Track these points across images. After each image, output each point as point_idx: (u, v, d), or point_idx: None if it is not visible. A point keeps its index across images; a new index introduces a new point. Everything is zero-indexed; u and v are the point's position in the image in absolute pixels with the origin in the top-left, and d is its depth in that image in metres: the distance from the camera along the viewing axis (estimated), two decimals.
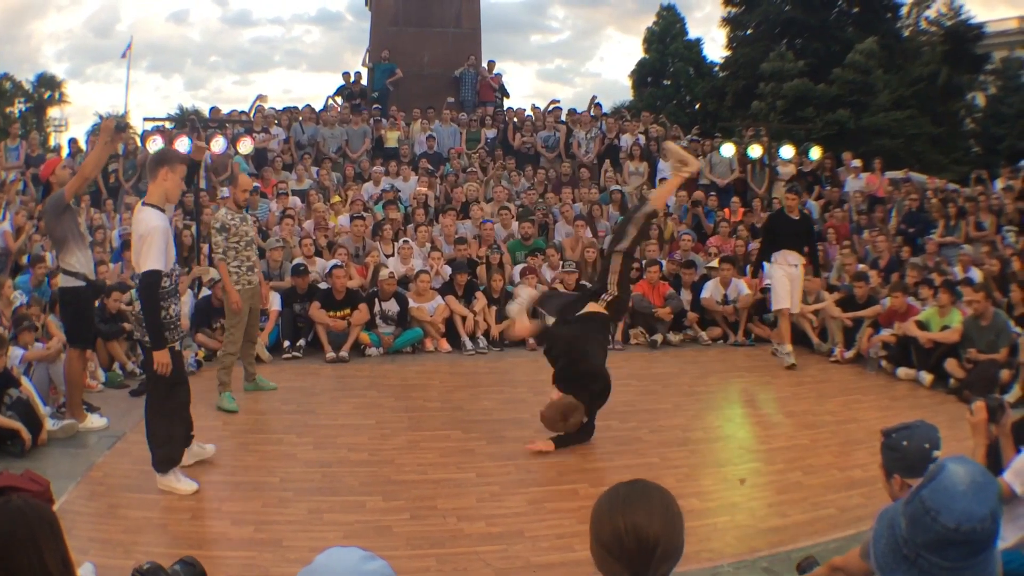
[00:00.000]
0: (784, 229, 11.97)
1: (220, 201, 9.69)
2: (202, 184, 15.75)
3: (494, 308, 13.05)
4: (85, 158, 10.67)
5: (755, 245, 15.05)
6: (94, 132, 20.80)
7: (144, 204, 6.72)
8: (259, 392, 9.96)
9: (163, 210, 6.74)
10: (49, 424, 7.99)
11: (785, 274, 11.71)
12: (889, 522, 2.48)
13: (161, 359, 6.53)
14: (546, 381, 10.75)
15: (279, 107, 21.19)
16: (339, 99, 21.85)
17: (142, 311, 6.55)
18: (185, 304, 11.39)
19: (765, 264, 12.42)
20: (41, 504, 2.74)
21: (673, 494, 2.41)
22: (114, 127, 9.47)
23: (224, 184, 15.75)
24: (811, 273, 12.36)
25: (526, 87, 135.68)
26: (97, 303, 9.59)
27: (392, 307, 12.43)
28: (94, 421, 8.46)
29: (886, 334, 11.54)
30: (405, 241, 13.95)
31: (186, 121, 22.97)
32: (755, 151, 17.28)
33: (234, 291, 9.26)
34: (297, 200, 16.25)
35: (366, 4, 25.65)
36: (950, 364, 10.44)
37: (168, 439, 6.77)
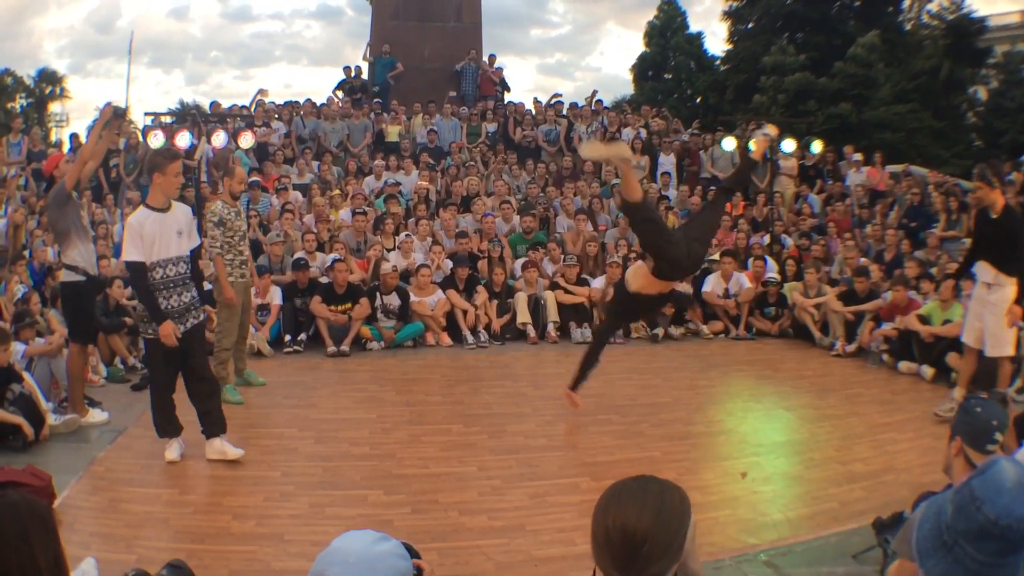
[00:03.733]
0: (981, 232, 8.85)
1: (216, 195, 9.78)
2: (203, 177, 15.78)
3: (495, 302, 13.06)
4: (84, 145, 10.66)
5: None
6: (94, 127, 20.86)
7: (142, 204, 7.45)
8: (258, 387, 9.97)
9: (162, 209, 7.22)
10: (51, 419, 8.00)
11: (975, 296, 8.89)
12: (938, 509, 2.51)
13: (163, 331, 7.05)
14: (546, 375, 10.82)
15: (280, 101, 21.24)
16: (340, 93, 21.85)
17: (135, 295, 7.48)
18: None
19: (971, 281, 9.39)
20: (36, 500, 2.73)
21: (679, 486, 2.35)
22: (113, 112, 9.51)
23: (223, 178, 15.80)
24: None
25: (527, 81, 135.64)
26: (99, 297, 9.59)
27: (393, 301, 12.43)
28: (96, 416, 8.48)
29: (888, 328, 11.54)
30: (406, 235, 13.95)
31: (187, 116, 22.97)
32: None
33: (228, 286, 9.27)
34: (298, 194, 16.24)
35: None
36: (952, 358, 10.43)
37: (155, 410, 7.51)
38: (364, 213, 14.36)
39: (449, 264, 13.43)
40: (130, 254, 7.06)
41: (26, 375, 8.23)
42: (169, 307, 7.15)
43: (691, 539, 2.31)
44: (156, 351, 7.26)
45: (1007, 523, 2.26)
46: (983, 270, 8.67)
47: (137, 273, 7.09)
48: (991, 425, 3.76)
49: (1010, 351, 8.70)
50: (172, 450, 7.38)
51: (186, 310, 7.31)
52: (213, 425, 7.44)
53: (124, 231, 7.29)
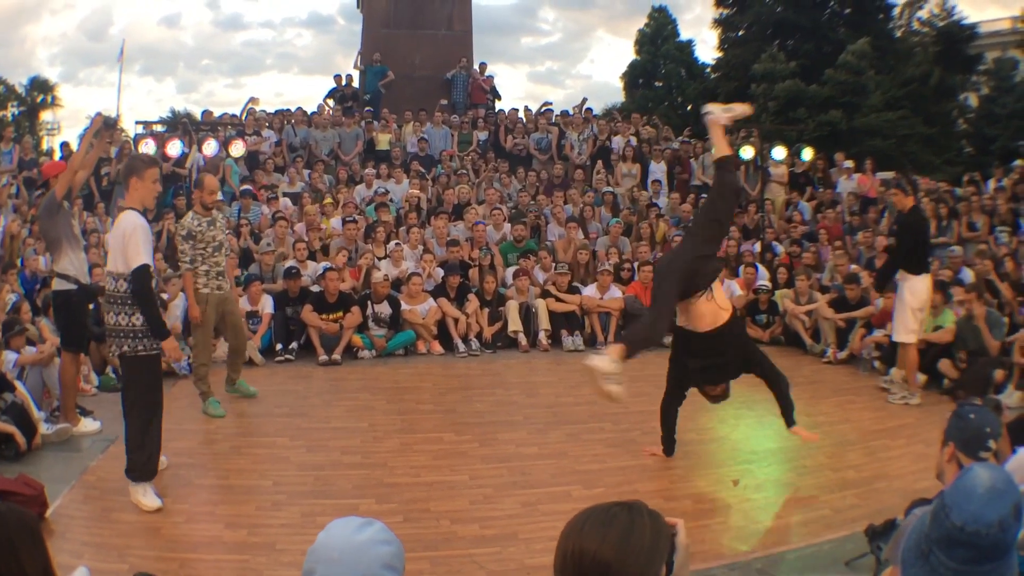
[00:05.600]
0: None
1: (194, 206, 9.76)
2: (194, 187, 15.75)
3: (486, 310, 13.05)
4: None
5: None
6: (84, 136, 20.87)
7: (126, 209, 6.72)
8: (247, 395, 9.93)
9: (143, 213, 6.75)
10: (43, 428, 7.98)
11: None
12: (922, 518, 2.50)
13: (168, 346, 6.61)
14: (538, 383, 10.82)
15: (271, 110, 21.24)
16: (331, 102, 21.87)
17: (138, 305, 6.50)
18: (178, 307, 11.39)
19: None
20: (23, 511, 2.73)
21: (662, 517, 2.20)
22: (103, 122, 9.50)
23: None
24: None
25: (517, 89, 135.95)
26: (91, 306, 9.60)
27: (384, 309, 12.43)
28: (87, 425, 8.46)
29: (879, 335, 11.56)
30: (397, 243, 13.94)
31: (178, 124, 22.95)
32: (747, 152, 17.28)
33: (195, 304, 9.18)
34: (288, 202, 16.23)
35: (358, 6, 25.66)
36: (943, 365, 10.46)
37: (142, 447, 6.63)
38: (355, 221, 14.36)
39: (440, 272, 13.44)
40: (145, 256, 6.52)
41: (18, 384, 8.22)
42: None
43: (682, 564, 2.28)
44: (152, 372, 6.72)
45: (974, 529, 2.26)
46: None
47: (148, 279, 6.57)
48: (984, 432, 3.77)
49: (911, 339, 9.88)
50: (153, 496, 6.56)
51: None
52: None
53: (132, 234, 6.49)
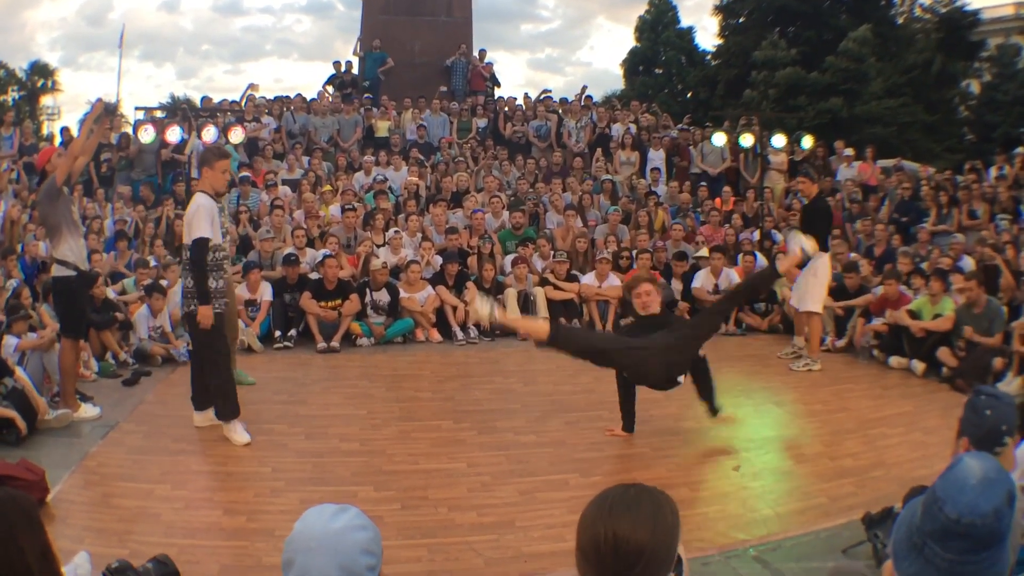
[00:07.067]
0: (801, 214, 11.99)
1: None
2: (193, 173, 15.74)
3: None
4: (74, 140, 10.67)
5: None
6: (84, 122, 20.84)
7: (198, 191, 7.99)
8: (246, 385, 9.91)
9: (214, 197, 7.97)
10: (49, 414, 8.00)
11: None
12: (912, 511, 2.50)
13: (204, 312, 7.65)
14: (536, 371, 10.83)
15: (270, 96, 21.21)
16: (330, 88, 21.84)
17: (191, 271, 7.73)
18: (176, 294, 11.39)
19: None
20: (20, 494, 2.73)
21: (668, 494, 2.29)
22: (103, 108, 9.53)
23: None
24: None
25: (517, 76, 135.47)
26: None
27: (383, 297, 12.44)
28: (87, 410, 8.48)
29: (878, 323, 11.56)
30: (396, 231, 13.94)
31: (178, 110, 22.91)
32: (747, 140, 17.25)
33: None
34: (287, 189, 16.23)
35: None
36: (942, 353, 10.47)
37: (229, 392, 7.89)
38: (354, 209, 14.36)
39: (439, 260, 13.44)
40: (204, 231, 7.65)
41: (18, 369, 8.23)
42: (213, 288, 7.77)
43: None
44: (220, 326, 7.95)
45: (970, 520, 2.25)
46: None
47: (204, 250, 7.67)
48: (1000, 430, 3.72)
49: (816, 309, 11.13)
50: (243, 432, 7.82)
51: (220, 294, 7.92)
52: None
53: (196, 212, 7.73)
